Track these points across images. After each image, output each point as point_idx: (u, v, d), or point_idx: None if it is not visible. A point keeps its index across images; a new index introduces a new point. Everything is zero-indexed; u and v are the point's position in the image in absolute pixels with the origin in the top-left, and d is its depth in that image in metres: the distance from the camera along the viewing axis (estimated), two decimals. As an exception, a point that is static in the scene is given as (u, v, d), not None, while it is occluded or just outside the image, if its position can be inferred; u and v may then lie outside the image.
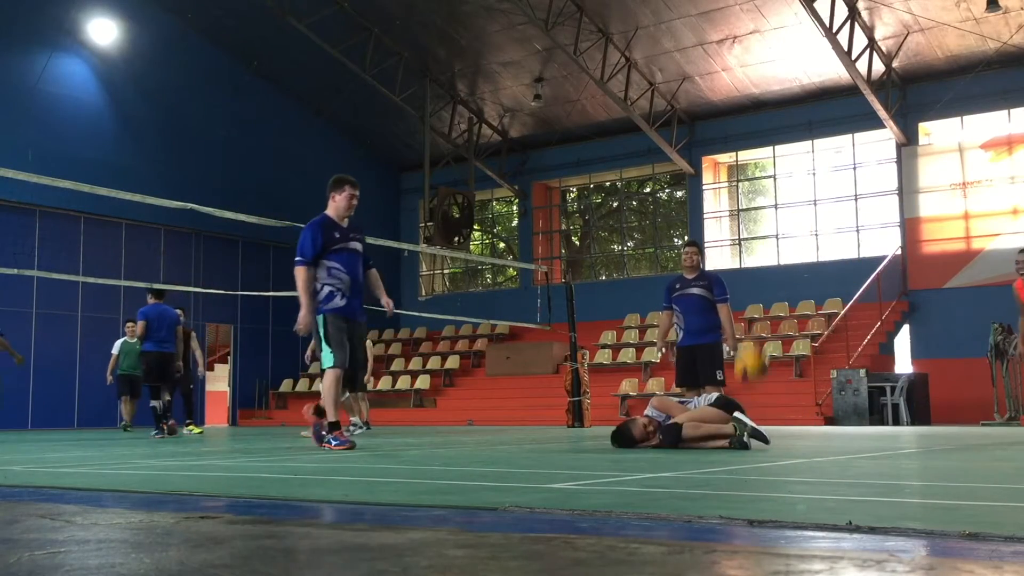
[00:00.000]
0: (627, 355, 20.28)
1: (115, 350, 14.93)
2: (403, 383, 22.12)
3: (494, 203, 27.05)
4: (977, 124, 19.38)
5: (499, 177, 24.48)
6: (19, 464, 5.75)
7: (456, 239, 23.30)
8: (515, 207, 26.20)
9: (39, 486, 3.96)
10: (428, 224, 22.88)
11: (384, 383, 22.50)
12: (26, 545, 2.12)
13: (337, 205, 7.25)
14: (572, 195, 26.42)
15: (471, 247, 25.63)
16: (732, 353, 9.03)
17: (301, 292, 7.02)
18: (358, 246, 7.30)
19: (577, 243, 27.30)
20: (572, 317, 15.84)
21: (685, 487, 3.58)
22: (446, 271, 27.68)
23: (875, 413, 15.58)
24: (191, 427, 12.70)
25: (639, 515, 2.57)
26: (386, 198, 26.81)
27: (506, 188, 25.04)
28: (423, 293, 26.68)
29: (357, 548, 2.06)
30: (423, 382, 21.73)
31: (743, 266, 21.78)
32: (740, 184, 22.69)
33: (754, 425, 6.18)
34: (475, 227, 25.70)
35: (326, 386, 7.11)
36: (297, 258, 7.09)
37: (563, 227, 26.08)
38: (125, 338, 14.67)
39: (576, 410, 15.09)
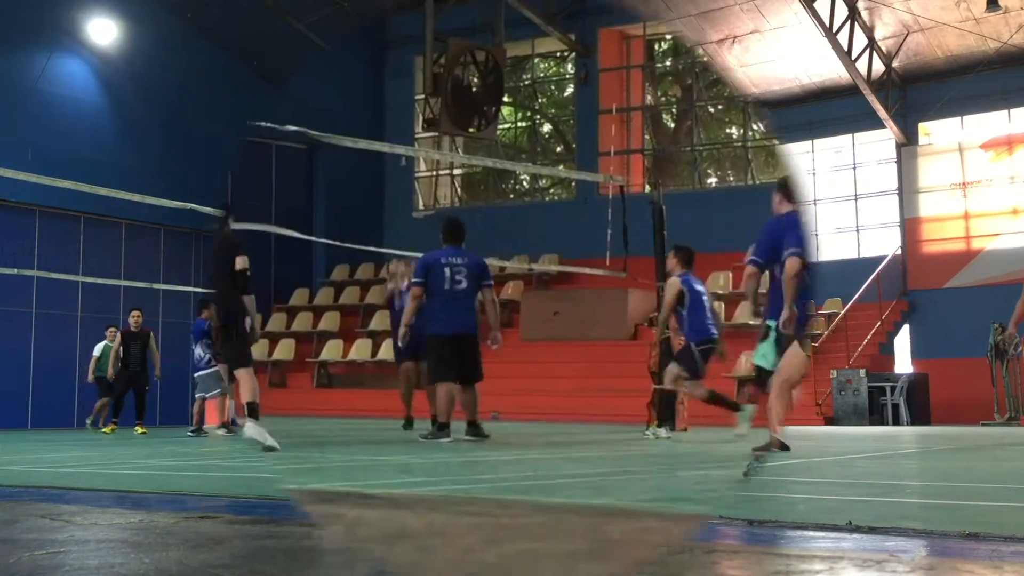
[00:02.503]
0: (746, 312, 13.44)
1: (96, 352, 15.30)
2: (386, 352, 15.32)
3: (537, 62, 18.34)
4: (977, 124, 19.37)
5: (545, 20, 16.74)
6: (19, 464, 5.75)
7: (477, 122, 15.53)
8: (570, 68, 18.49)
9: (39, 486, 3.96)
10: (430, 98, 15.23)
11: (359, 350, 16.30)
12: (26, 545, 2.12)
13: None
14: (663, 47, 17.29)
15: (497, 135, 16.86)
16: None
17: (792, 287, 5.85)
18: None
19: (671, 126, 18.47)
20: (662, 250, 10.59)
21: (685, 487, 3.57)
22: (457, 172, 19.12)
23: (875, 413, 15.58)
24: (139, 428, 12.97)
25: (639, 515, 2.57)
26: (364, 55, 18.40)
27: (556, 38, 17.30)
28: (421, 206, 19.13)
29: (357, 548, 2.05)
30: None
31: (743, 266, 21.66)
32: (740, 184, 22.49)
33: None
34: (506, 101, 16.92)
35: None
36: (796, 250, 5.96)
37: (648, 101, 17.61)
38: (105, 341, 15.23)
39: (665, 403, 9.53)
